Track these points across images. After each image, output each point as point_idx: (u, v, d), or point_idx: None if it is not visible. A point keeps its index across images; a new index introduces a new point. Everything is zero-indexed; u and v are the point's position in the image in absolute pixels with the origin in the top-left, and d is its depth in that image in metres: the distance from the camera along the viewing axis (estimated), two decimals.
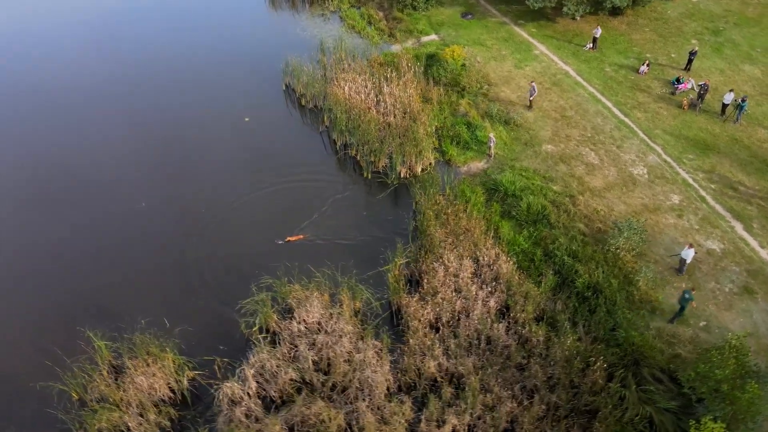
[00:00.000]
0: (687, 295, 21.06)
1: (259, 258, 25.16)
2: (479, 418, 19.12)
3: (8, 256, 25.90)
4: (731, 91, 30.77)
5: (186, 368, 20.67)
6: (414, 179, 29.41)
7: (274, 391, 20.10)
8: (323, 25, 43.90)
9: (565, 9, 38.20)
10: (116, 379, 20.22)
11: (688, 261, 22.74)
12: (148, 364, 20.33)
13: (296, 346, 21.32)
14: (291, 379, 20.25)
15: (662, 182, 27.42)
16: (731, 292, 22.49)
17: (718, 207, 26.02)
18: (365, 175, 29.80)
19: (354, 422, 19.00)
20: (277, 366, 20.45)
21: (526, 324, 21.74)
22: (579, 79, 34.83)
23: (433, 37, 40.66)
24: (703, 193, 26.70)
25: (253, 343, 21.87)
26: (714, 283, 22.81)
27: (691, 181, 27.43)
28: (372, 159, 30.24)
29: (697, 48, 34.87)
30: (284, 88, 36.43)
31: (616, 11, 39.88)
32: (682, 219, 25.52)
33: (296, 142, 32.45)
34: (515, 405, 19.24)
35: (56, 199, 28.68)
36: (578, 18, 40.24)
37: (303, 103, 35.12)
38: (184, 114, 34.35)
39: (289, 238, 26.09)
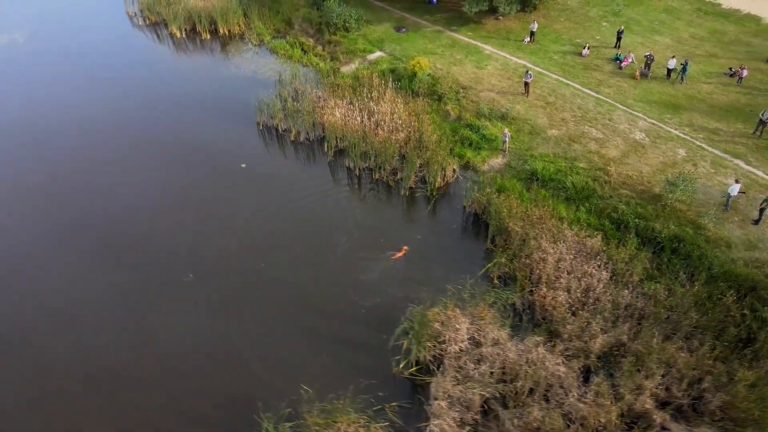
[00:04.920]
0: None
1: (362, 294, 24.00)
2: (663, 376, 20.43)
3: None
4: (673, 57, 36.00)
5: (372, 424, 19.08)
6: (449, 186, 30.01)
7: (470, 416, 19.43)
8: (257, 60, 42.27)
9: (501, 9, 41.35)
10: None
11: (733, 195, 26.35)
12: None
13: (461, 367, 20.79)
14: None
15: (663, 141, 31.22)
16: None
17: (716, 151, 30.38)
18: (402, 193, 29.61)
19: (571, 416, 19.16)
20: (462, 390, 19.80)
21: (639, 285, 23.65)
22: (538, 69, 37.96)
23: (380, 53, 41.25)
24: (699, 143, 30.97)
25: (408, 379, 20.97)
26: (756, 211, 26.67)
27: (682, 135, 31.61)
28: (400, 177, 30.21)
29: (623, 27, 39.98)
30: (261, 127, 34.56)
31: (534, 7, 44.07)
32: (698, 167, 29.37)
33: (313, 178, 30.99)
34: (687, 355, 20.88)
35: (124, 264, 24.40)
36: (501, 18, 43.85)
37: (293, 138, 33.65)
38: (183, 176, 31.00)
39: (396, 256, 25.53)
